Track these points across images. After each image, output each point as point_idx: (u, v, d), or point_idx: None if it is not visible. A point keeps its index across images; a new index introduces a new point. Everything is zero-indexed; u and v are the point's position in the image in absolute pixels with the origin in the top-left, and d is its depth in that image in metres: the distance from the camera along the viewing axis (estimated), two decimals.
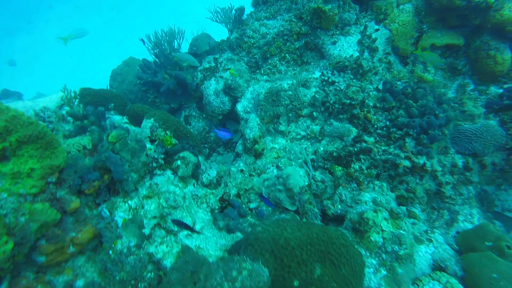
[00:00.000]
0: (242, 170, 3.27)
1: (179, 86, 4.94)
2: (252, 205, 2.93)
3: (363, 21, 4.35)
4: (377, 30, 4.32)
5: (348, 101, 3.46)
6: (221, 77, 4.76)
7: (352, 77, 3.83)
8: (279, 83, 3.94)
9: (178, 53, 4.76)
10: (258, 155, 3.35)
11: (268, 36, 4.63)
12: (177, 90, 4.99)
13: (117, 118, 3.09)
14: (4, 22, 19.06)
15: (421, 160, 3.12)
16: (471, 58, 4.32)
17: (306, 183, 2.94)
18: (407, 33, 4.36)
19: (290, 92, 3.82)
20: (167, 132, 2.86)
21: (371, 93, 3.64)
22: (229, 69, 4.78)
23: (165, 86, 4.76)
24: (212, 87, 4.81)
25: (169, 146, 2.79)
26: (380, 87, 3.79)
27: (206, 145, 5.47)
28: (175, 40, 5.85)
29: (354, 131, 3.37)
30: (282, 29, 4.57)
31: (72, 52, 17.40)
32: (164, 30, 5.72)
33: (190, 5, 16.34)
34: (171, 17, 16.34)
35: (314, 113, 3.64)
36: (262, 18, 4.78)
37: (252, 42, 4.69)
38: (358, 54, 4.12)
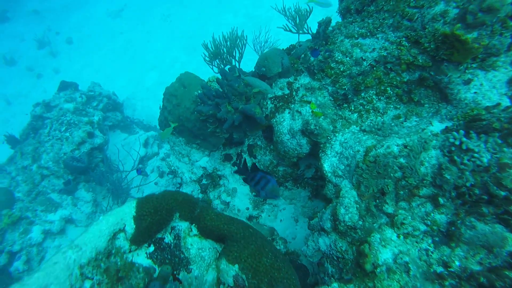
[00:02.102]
0: None
1: (245, 119, 4.11)
2: None
3: None
4: None
5: (504, 193, 2.37)
6: (299, 112, 3.81)
7: (500, 142, 2.66)
8: (386, 145, 2.91)
9: (248, 77, 3.86)
10: (365, 275, 2.50)
11: (365, 63, 3.47)
12: (243, 124, 4.18)
13: (183, 227, 2.42)
14: None
15: None
16: None
17: None
18: None
19: (403, 160, 2.80)
20: None
21: None
22: (308, 102, 3.80)
23: (228, 122, 3.98)
24: (286, 123, 3.91)
25: None
26: None
27: None
28: (236, 49, 4.91)
29: None
30: (384, 53, 3.38)
31: (122, 29, 17.11)
32: (224, 34, 4.80)
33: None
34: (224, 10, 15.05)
35: (440, 199, 2.62)
36: (356, 35, 3.59)
37: (341, 69, 3.59)
38: (508, 101, 2.86)
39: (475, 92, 2.91)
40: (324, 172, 3.28)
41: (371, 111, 3.52)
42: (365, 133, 3.27)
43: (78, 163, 6.52)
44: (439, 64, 2.99)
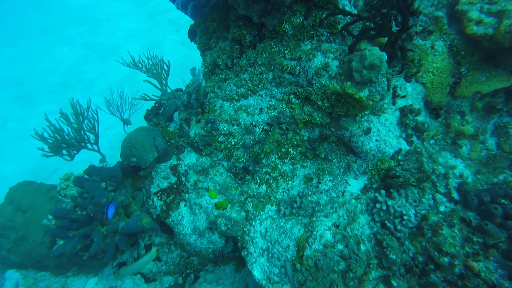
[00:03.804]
0: None
1: (132, 234, 3.00)
2: None
3: (393, 82, 2.90)
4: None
5: (447, 259, 2.21)
6: (198, 204, 2.98)
7: (417, 192, 2.54)
8: (318, 235, 2.42)
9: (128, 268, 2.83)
10: None
11: (257, 129, 2.89)
12: (130, 238, 3.06)
13: None
14: None
15: None
16: None
17: None
18: (443, 82, 3.12)
19: (341, 247, 2.38)
20: None
21: (454, 222, 2.43)
22: (206, 189, 3.00)
23: (110, 252, 2.80)
24: (186, 220, 3.03)
25: None
26: (455, 196, 2.61)
27: (188, 271, 3.79)
28: (87, 132, 3.66)
29: None
30: (275, 113, 2.86)
31: None
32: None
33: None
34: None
35: (393, 282, 2.32)
36: (236, 97, 2.94)
37: (232, 143, 2.90)
38: (405, 143, 2.77)
39: (376, 140, 2.72)
40: (258, 281, 2.60)
41: (279, 178, 3.01)
42: (286, 217, 2.72)
43: None
44: (338, 120, 2.66)
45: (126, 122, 4.50)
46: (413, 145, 2.75)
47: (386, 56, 2.26)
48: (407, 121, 2.76)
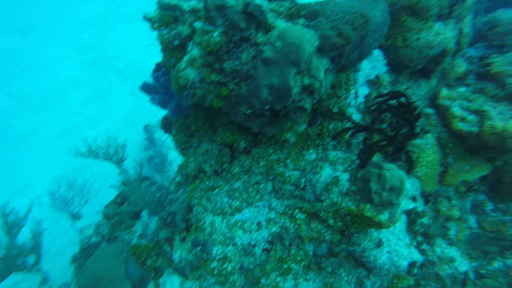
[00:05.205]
0: None
1: None
2: None
3: None
4: None
5: None
6: None
7: None
8: None
9: None
10: None
11: (257, 250, 2.44)
12: None
13: None
14: None
15: None
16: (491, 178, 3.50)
17: None
18: (435, 173, 3.11)
19: None
20: None
21: None
22: None
23: None
24: None
25: None
26: None
27: None
28: None
29: None
30: (277, 229, 2.47)
31: None
32: None
33: None
34: None
35: None
36: (228, 210, 2.49)
37: (229, 269, 2.39)
38: (416, 252, 2.58)
39: (388, 252, 2.48)
40: None
41: None
42: None
43: None
44: (350, 236, 2.36)
45: (75, 216, 3.65)
46: (425, 254, 2.58)
47: (406, 176, 2.08)
48: (416, 228, 2.60)
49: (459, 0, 2.48)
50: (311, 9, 1.89)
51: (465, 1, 2.55)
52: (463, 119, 2.95)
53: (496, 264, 3.22)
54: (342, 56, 1.84)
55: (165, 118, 3.00)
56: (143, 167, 3.88)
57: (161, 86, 2.48)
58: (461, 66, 3.19)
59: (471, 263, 3.27)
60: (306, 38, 1.69)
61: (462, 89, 3.25)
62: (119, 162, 3.52)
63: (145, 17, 2.09)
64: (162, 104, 2.53)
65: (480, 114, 2.93)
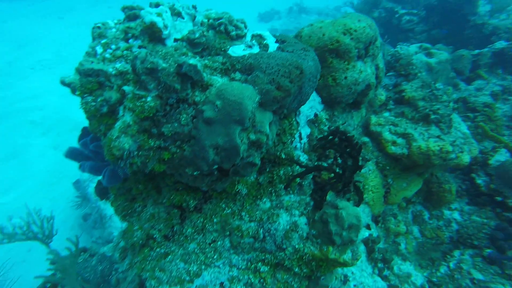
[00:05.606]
0: None
1: None
2: None
3: None
4: None
5: None
6: None
7: None
8: None
9: None
10: None
11: None
12: None
13: None
14: None
15: None
16: (423, 189, 3.87)
17: None
18: (380, 196, 3.30)
19: None
20: None
21: None
22: None
23: None
24: None
25: None
26: None
27: None
28: None
29: None
30: (242, 287, 2.29)
31: None
32: None
33: None
34: None
35: None
36: (186, 277, 2.24)
37: None
38: (380, 280, 2.63)
39: (354, 286, 2.49)
40: None
41: None
42: None
43: None
44: (317, 280, 2.30)
45: None
46: (387, 280, 2.64)
47: (361, 212, 2.13)
48: (375, 256, 2.67)
49: (372, 41, 2.77)
50: (245, 62, 1.89)
51: (375, 42, 2.86)
52: (394, 143, 3.23)
53: (442, 270, 3.48)
54: (284, 107, 1.85)
55: (99, 184, 2.66)
56: (79, 235, 3.35)
57: (91, 152, 2.20)
58: (382, 94, 3.55)
59: (423, 274, 3.48)
60: (247, 94, 1.67)
61: (386, 114, 3.59)
62: (46, 239, 3.00)
63: (63, 82, 1.86)
64: (95, 172, 2.23)
65: (406, 137, 3.24)
